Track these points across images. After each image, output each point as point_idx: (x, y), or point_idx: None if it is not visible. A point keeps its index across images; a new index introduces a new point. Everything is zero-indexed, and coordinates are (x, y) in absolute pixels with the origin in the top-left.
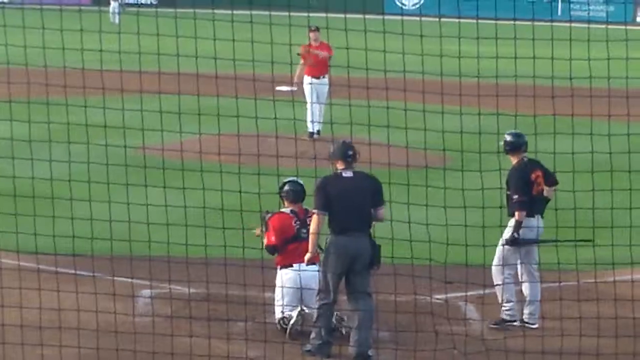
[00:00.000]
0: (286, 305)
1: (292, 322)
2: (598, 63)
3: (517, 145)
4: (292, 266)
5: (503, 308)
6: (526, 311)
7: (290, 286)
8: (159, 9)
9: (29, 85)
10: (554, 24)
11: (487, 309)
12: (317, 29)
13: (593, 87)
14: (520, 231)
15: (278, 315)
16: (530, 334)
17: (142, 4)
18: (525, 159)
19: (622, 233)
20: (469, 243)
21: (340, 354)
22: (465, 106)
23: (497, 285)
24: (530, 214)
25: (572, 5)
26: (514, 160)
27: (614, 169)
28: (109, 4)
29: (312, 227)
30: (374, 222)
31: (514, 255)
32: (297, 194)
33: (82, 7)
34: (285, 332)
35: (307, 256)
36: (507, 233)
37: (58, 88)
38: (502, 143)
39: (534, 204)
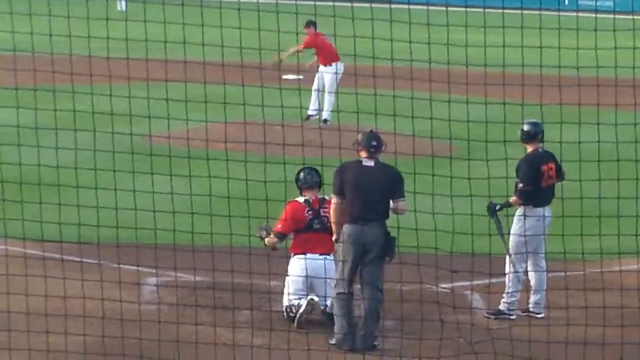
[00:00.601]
0: (294, 294)
1: (300, 310)
2: (605, 52)
3: (532, 135)
4: (303, 255)
5: (503, 299)
6: (532, 300)
7: (300, 274)
8: None
9: (35, 73)
10: (561, 13)
11: (493, 298)
12: (307, 25)
13: (600, 76)
14: (527, 221)
15: (285, 303)
16: (536, 323)
17: None
18: (541, 150)
19: (629, 222)
20: (475, 232)
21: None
22: (471, 95)
23: (507, 273)
24: (538, 205)
25: None
26: (529, 148)
27: (621, 158)
28: None
29: (331, 215)
30: (393, 213)
31: (522, 246)
32: (311, 180)
33: None
34: (291, 320)
35: (334, 237)
36: (515, 223)
37: (64, 75)
38: (519, 132)
39: (542, 196)
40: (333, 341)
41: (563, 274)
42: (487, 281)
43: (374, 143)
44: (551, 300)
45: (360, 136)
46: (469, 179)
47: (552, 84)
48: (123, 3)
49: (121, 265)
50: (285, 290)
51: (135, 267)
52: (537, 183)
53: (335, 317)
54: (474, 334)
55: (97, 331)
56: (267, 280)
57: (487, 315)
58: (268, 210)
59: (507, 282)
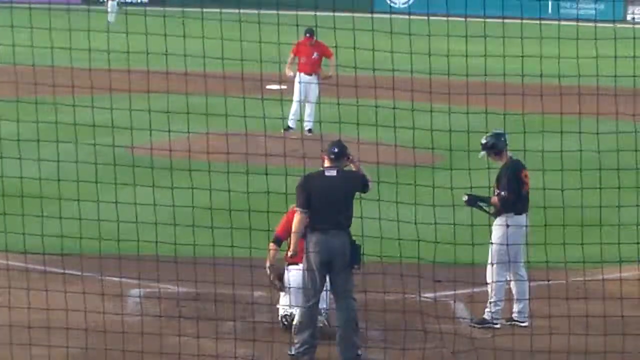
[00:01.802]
0: (285, 305)
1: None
2: (587, 61)
3: (503, 145)
4: (296, 265)
5: (487, 308)
6: (515, 309)
7: (295, 284)
8: (147, 8)
9: (17, 85)
10: (542, 22)
11: (475, 307)
12: (311, 34)
13: (582, 85)
14: (510, 230)
15: (281, 312)
16: (519, 332)
17: (132, 2)
18: (514, 157)
19: (611, 231)
20: (458, 242)
21: (329, 357)
22: (454, 105)
23: (489, 283)
24: (518, 212)
25: (561, 4)
26: (501, 161)
27: (603, 167)
28: (101, 2)
29: (294, 225)
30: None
31: (505, 254)
32: None
33: (72, 6)
34: (285, 328)
35: (289, 253)
36: (496, 232)
37: (46, 87)
38: (483, 153)
39: (522, 203)
40: (292, 352)
41: (546, 282)
42: (470, 290)
43: (336, 150)
44: (534, 309)
45: (326, 145)
46: (452, 188)
47: (534, 93)
48: (113, 15)
49: (104, 277)
50: (281, 299)
51: (118, 279)
52: (519, 191)
53: (298, 327)
54: (457, 344)
55: (80, 343)
56: (250, 291)
57: (472, 324)
58: (251, 221)
59: (490, 291)
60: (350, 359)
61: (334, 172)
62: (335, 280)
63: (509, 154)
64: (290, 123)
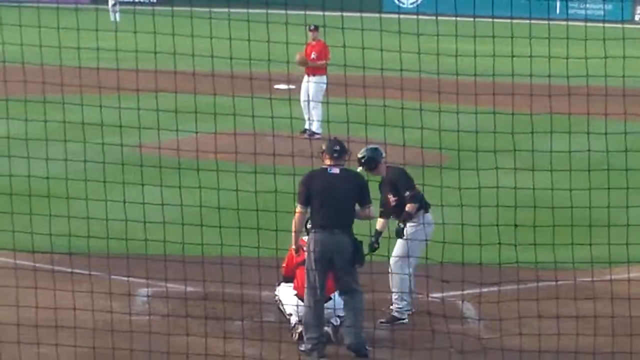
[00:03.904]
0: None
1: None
2: (595, 61)
3: (378, 159)
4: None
5: (392, 306)
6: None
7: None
8: (156, 8)
9: (25, 83)
10: (551, 22)
11: (484, 307)
12: (316, 28)
13: (590, 85)
14: (426, 227)
15: (288, 310)
16: (527, 332)
17: (140, 2)
18: (394, 165)
19: (619, 231)
20: (466, 242)
21: (337, 353)
22: (462, 104)
23: (396, 276)
24: (427, 210)
25: (569, 4)
26: (380, 174)
27: (611, 167)
28: (106, 2)
29: (293, 224)
30: (363, 219)
31: (416, 251)
32: None
33: (80, 5)
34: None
35: (293, 247)
36: (410, 230)
37: (54, 86)
38: (360, 168)
39: (426, 201)
40: (303, 348)
41: (554, 283)
42: (477, 290)
43: (337, 148)
44: (542, 310)
45: (324, 144)
46: (460, 188)
47: (542, 93)
48: (116, 14)
49: (112, 276)
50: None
51: (126, 278)
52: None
53: (306, 323)
54: (465, 344)
55: (88, 342)
56: (258, 291)
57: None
58: (259, 220)
59: (393, 286)
60: (357, 345)
61: (336, 170)
62: (338, 278)
63: (387, 164)
64: (306, 124)
